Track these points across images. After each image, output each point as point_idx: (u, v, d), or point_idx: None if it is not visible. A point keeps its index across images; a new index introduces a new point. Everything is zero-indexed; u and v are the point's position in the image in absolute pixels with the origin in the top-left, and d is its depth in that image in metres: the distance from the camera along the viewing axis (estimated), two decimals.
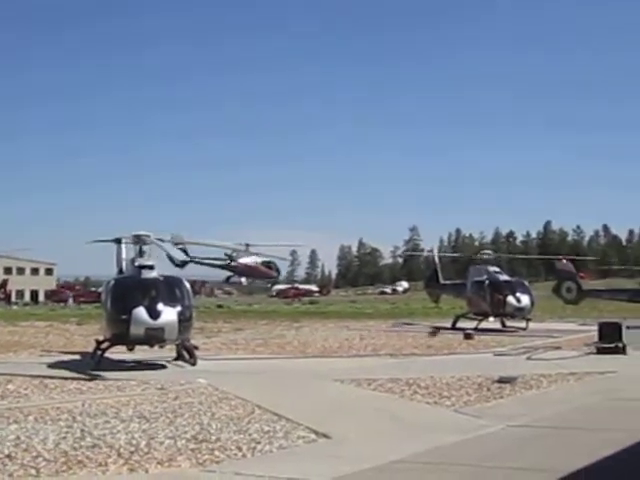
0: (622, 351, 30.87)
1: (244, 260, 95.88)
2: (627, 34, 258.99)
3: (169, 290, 27.60)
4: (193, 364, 27.80)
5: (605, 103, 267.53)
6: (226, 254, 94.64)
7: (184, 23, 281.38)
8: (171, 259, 31.61)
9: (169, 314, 26.52)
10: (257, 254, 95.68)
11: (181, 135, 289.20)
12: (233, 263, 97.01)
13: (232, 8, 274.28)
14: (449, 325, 48.95)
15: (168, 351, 28.79)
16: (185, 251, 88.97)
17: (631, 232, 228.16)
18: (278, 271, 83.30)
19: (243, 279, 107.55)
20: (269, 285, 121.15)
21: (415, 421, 17.01)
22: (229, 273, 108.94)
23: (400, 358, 31.07)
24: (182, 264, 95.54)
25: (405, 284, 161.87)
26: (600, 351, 30.92)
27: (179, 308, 26.99)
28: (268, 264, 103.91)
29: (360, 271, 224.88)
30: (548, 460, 12.89)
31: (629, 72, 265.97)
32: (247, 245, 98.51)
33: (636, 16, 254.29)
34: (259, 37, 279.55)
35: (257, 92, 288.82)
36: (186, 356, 28.19)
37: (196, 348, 29.18)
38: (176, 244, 77.09)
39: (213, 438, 14.97)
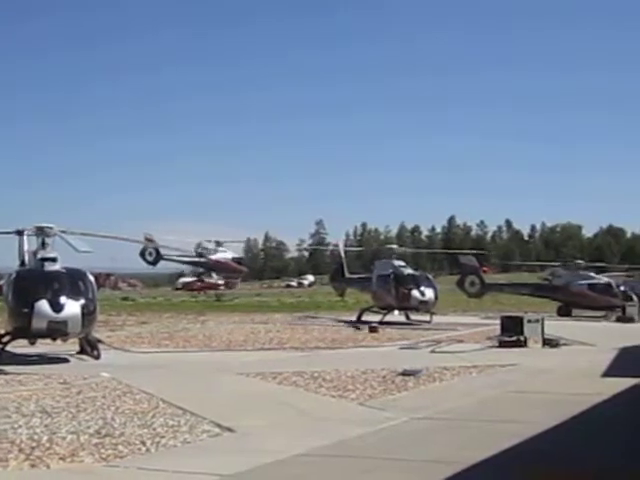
0: (524, 344, 31.48)
1: (215, 256, 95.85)
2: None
3: (72, 283, 27.23)
4: (97, 358, 27.52)
5: (509, 111, 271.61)
6: (196, 251, 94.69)
7: None
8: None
9: (72, 307, 26.18)
10: (226, 251, 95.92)
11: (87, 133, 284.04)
12: (204, 259, 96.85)
13: None
14: (354, 318, 49.23)
15: (71, 345, 28.42)
16: (157, 249, 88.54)
17: (533, 228, 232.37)
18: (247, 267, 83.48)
19: (214, 275, 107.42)
20: (239, 280, 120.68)
21: (320, 414, 17.10)
22: (200, 269, 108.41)
23: (305, 351, 31.17)
24: (154, 261, 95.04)
25: (311, 278, 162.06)
26: (502, 344, 31.47)
27: (82, 301, 26.66)
28: (238, 260, 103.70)
29: (266, 264, 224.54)
30: (451, 452, 13.08)
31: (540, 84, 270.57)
32: (217, 242, 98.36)
33: None
34: None
35: (176, 86, 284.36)
36: (89, 350, 27.89)
37: (100, 342, 28.87)
38: (148, 241, 76.93)
39: (117, 433, 14.85)
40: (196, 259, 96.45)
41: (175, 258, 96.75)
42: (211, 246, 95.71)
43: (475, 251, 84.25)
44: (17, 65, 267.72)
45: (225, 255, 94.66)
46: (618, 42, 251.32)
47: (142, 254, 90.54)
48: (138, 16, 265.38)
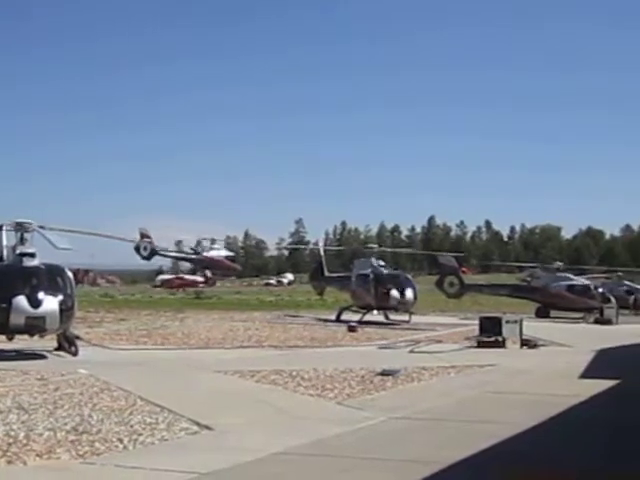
0: (502, 345, 31.56)
1: (210, 253, 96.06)
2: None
3: (51, 279, 27.12)
4: (74, 354, 27.42)
5: (481, 112, 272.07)
6: (192, 248, 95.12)
7: None
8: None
9: (50, 303, 26.08)
10: (220, 249, 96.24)
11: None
12: (198, 256, 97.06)
13: None
14: (333, 317, 49.25)
15: (49, 341, 28.30)
16: (152, 245, 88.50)
17: (512, 229, 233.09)
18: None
19: (208, 272, 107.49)
20: (232, 278, 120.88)
21: (298, 413, 17.09)
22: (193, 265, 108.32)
23: (284, 350, 31.16)
24: (149, 256, 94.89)
25: (290, 276, 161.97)
26: (481, 345, 31.56)
27: (61, 297, 26.56)
28: (232, 258, 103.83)
29: (246, 262, 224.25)
30: (429, 452, 13.10)
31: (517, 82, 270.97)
32: (213, 239, 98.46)
33: None
34: None
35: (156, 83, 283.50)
36: (67, 346, 27.79)
37: (78, 338, 28.77)
38: (143, 236, 77.09)
39: (94, 430, 14.79)
40: (191, 256, 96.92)
41: (169, 254, 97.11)
42: (206, 243, 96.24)
43: (453, 253, 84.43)
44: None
45: (219, 253, 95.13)
46: (617, 42, 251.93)
47: (137, 249, 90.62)
48: (137, 12, 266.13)
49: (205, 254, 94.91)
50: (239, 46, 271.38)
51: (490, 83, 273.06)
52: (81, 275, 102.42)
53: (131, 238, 75.07)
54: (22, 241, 28.67)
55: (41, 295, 26.18)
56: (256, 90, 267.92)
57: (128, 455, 13.04)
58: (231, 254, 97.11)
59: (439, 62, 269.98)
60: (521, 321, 33.20)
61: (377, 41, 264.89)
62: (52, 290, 26.58)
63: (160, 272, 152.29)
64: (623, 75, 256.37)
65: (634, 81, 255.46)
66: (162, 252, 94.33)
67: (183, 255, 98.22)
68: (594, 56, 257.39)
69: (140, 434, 14.49)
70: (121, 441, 13.91)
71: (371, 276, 50.09)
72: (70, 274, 28.35)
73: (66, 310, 26.75)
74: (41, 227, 29.18)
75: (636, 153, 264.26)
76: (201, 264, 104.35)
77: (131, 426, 15.19)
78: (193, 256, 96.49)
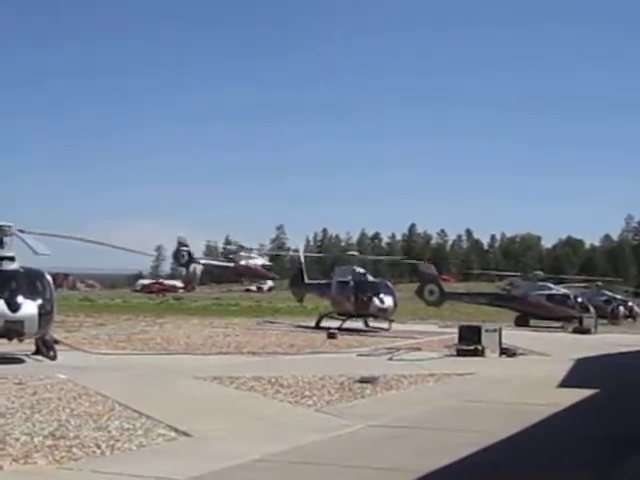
0: (481, 353, 31.64)
1: (244, 262, 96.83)
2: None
3: (30, 282, 27.01)
4: (53, 358, 27.30)
5: (463, 114, 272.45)
6: (227, 256, 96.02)
7: None
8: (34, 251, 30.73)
9: (29, 307, 25.98)
10: (256, 257, 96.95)
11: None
12: (233, 264, 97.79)
13: None
14: (313, 324, 49.26)
15: (27, 345, 28.17)
16: (189, 252, 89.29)
17: (493, 237, 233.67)
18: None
19: (244, 280, 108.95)
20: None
21: (277, 420, 17.06)
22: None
23: (263, 356, 31.15)
24: (186, 263, 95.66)
25: (270, 282, 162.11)
26: (460, 353, 31.64)
27: (40, 301, 26.46)
28: (268, 267, 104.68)
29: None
30: (407, 460, 13.10)
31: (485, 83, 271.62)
32: (242, 247, 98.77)
33: None
34: None
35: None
36: (45, 350, 27.66)
37: (56, 342, 28.65)
38: (181, 244, 78.27)
39: (71, 435, 14.71)
40: (225, 264, 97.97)
41: (206, 262, 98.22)
42: (244, 253, 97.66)
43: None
44: None
45: (256, 261, 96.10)
46: (608, 45, 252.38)
47: (175, 256, 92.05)
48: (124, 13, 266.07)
49: (241, 262, 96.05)
50: (218, 49, 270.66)
51: (474, 86, 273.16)
52: (60, 279, 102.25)
53: (180, 245, 76.62)
54: (1, 244, 28.50)
55: (20, 299, 26.06)
56: (238, 94, 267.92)
57: (105, 461, 12.98)
58: (267, 263, 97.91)
59: (418, 65, 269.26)
60: (500, 330, 33.36)
61: (353, 41, 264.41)
62: (31, 294, 26.47)
63: (140, 277, 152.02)
64: (607, 79, 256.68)
65: (617, 85, 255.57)
66: (199, 260, 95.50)
67: (219, 263, 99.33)
68: (578, 59, 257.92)
69: (118, 440, 14.42)
70: (99, 447, 13.84)
71: (351, 283, 50.17)
72: (49, 278, 28.24)
73: (45, 314, 26.65)
74: (21, 231, 29.02)
75: (620, 160, 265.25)
76: (236, 272, 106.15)
77: (109, 432, 15.12)
78: (227, 264, 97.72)
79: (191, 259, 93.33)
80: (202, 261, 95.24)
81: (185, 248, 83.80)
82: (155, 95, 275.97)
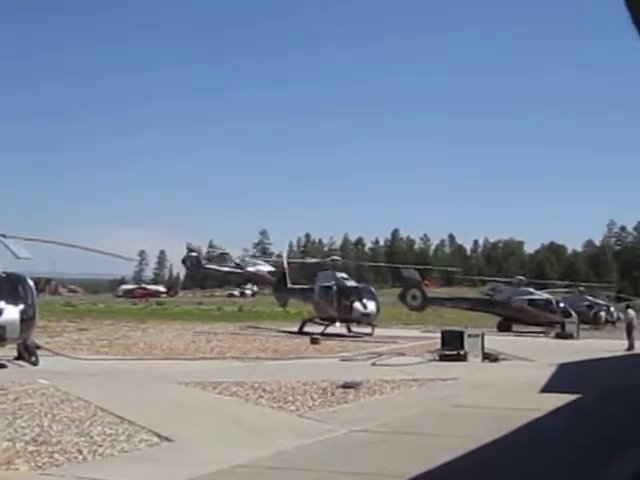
0: (464, 358, 31.70)
1: (251, 268, 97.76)
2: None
3: (11, 288, 26.92)
4: (35, 364, 27.21)
5: (445, 119, 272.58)
6: (235, 262, 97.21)
7: None
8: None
9: (11, 312, 25.89)
10: (263, 263, 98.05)
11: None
12: (241, 270, 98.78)
13: None
14: (296, 329, 49.27)
15: (8, 350, 28.07)
16: (198, 259, 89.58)
17: (476, 242, 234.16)
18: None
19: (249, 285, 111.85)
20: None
21: (259, 425, 17.04)
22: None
23: (246, 361, 31.11)
24: (195, 269, 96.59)
25: (254, 287, 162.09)
26: (443, 358, 31.70)
27: (21, 306, 26.38)
28: (274, 273, 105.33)
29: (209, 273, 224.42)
30: (389, 465, 13.10)
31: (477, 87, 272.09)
32: (257, 255, 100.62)
33: None
34: None
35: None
36: (27, 356, 27.57)
37: (38, 348, 28.55)
38: (190, 250, 79.55)
39: (53, 440, 14.67)
40: (234, 270, 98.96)
41: (214, 268, 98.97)
42: (250, 259, 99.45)
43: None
44: None
45: (263, 268, 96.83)
46: (592, 46, 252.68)
47: (184, 262, 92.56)
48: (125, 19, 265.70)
49: (248, 269, 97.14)
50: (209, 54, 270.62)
51: (456, 90, 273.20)
52: (43, 284, 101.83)
53: (190, 250, 77.54)
54: None
55: (1, 304, 25.98)
56: (221, 98, 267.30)
57: (87, 466, 12.94)
58: (274, 270, 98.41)
59: (404, 68, 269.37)
60: (483, 335, 33.45)
61: (348, 47, 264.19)
62: (13, 299, 26.39)
63: (122, 282, 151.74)
64: (592, 80, 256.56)
65: (601, 86, 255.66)
66: (208, 266, 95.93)
67: (228, 269, 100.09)
68: (561, 60, 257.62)
69: (100, 445, 14.39)
70: (81, 452, 13.81)
71: (334, 288, 50.22)
72: (31, 283, 28.16)
73: (27, 319, 26.58)
74: (2, 235, 28.93)
75: (602, 165, 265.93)
76: (244, 278, 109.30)
77: (91, 437, 15.09)
78: (235, 270, 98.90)
79: (200, 265, 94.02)
80: (211, 266, 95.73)
81: (194, 254, 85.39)
82: (138, 101, 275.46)
